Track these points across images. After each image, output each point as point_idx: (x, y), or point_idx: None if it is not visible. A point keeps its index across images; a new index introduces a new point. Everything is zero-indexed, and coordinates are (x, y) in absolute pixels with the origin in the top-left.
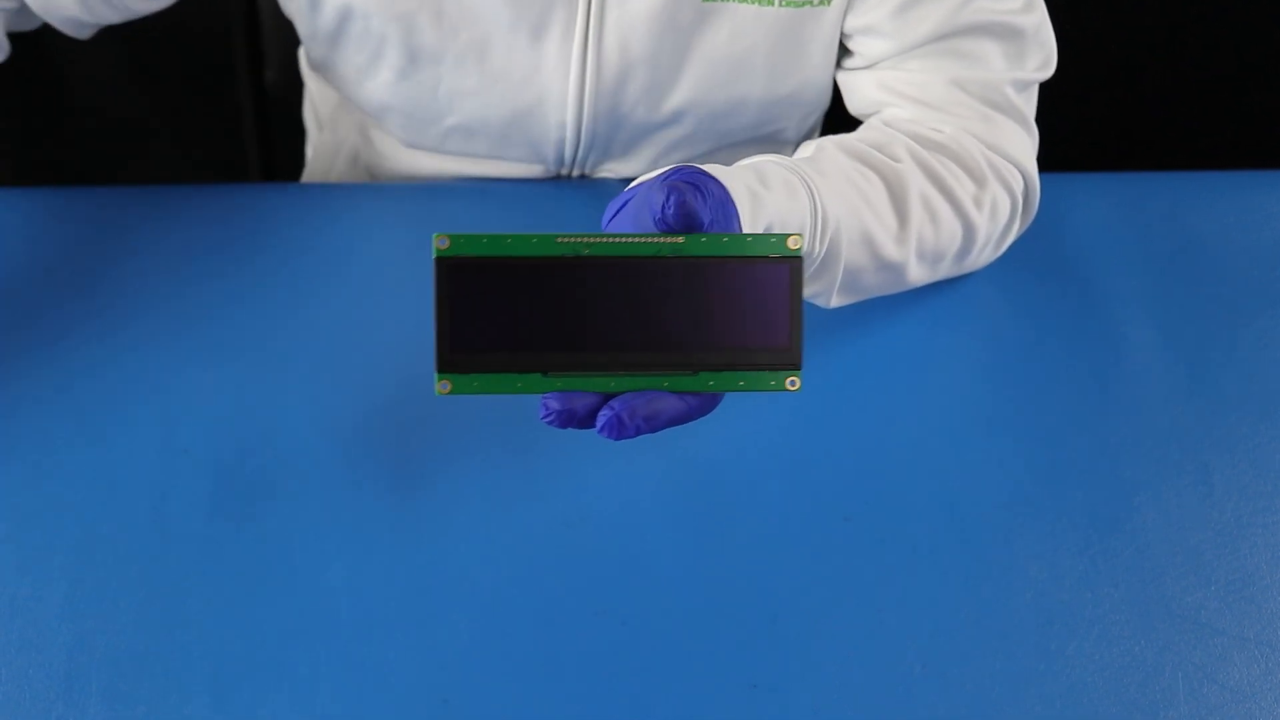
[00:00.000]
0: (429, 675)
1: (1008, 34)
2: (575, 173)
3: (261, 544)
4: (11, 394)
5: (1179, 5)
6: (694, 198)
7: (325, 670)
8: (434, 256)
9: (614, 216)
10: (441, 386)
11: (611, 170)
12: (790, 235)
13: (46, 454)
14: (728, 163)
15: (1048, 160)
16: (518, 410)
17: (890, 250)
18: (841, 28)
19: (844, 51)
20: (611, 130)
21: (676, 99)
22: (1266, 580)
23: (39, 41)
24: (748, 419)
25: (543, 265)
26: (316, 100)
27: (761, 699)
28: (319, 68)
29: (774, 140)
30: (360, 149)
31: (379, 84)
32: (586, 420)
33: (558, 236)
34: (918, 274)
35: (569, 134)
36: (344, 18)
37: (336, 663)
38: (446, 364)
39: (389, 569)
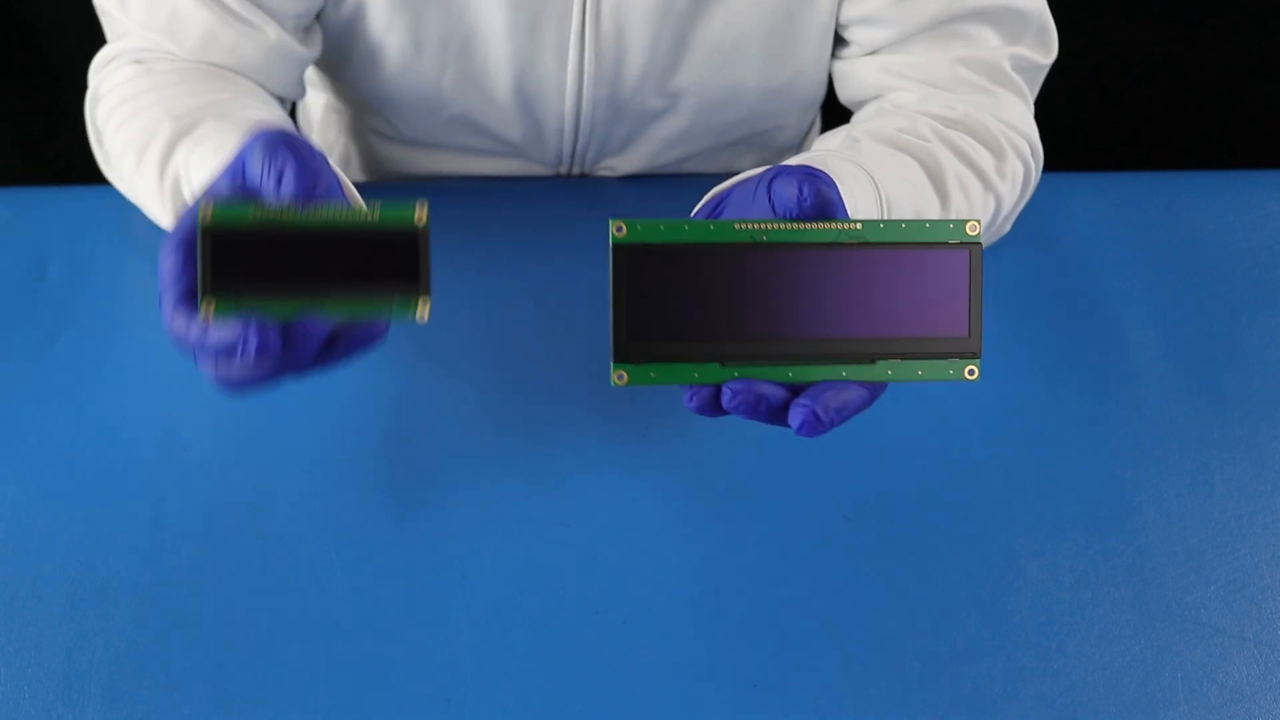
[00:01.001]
0: (429, 675)
1: (1008, 16)
2: (575, 171)
3: (261, 544)
4: (11, 393)
5: (1179, 5)
6: (827, 185)
7: (325, 670)
8: (610, 244)
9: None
10: (618, 377)
11: (610, 168)
12: (969, 221)
13: (46, 454)
14: (728, 163)
15: (1047, 160)
16: (517, 410)
17: None
18: (837, 18)
19: (840, 42)
20: (611, 119)
21: (674, 86)
22: (1266, 580)
23: (39, 42)
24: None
25: (721, 251)
26: (309, 102)
27: (761, 699)
28: (329, 62)
29: (773, 138)
30: (351, 154)
31: (386, 74)
32: (778, 412)
33: (735, 223)
34: None
35: (568, 123)
36: (358, 8)
37: (336, 663)
38: (624, 353)
39: (389, 569)
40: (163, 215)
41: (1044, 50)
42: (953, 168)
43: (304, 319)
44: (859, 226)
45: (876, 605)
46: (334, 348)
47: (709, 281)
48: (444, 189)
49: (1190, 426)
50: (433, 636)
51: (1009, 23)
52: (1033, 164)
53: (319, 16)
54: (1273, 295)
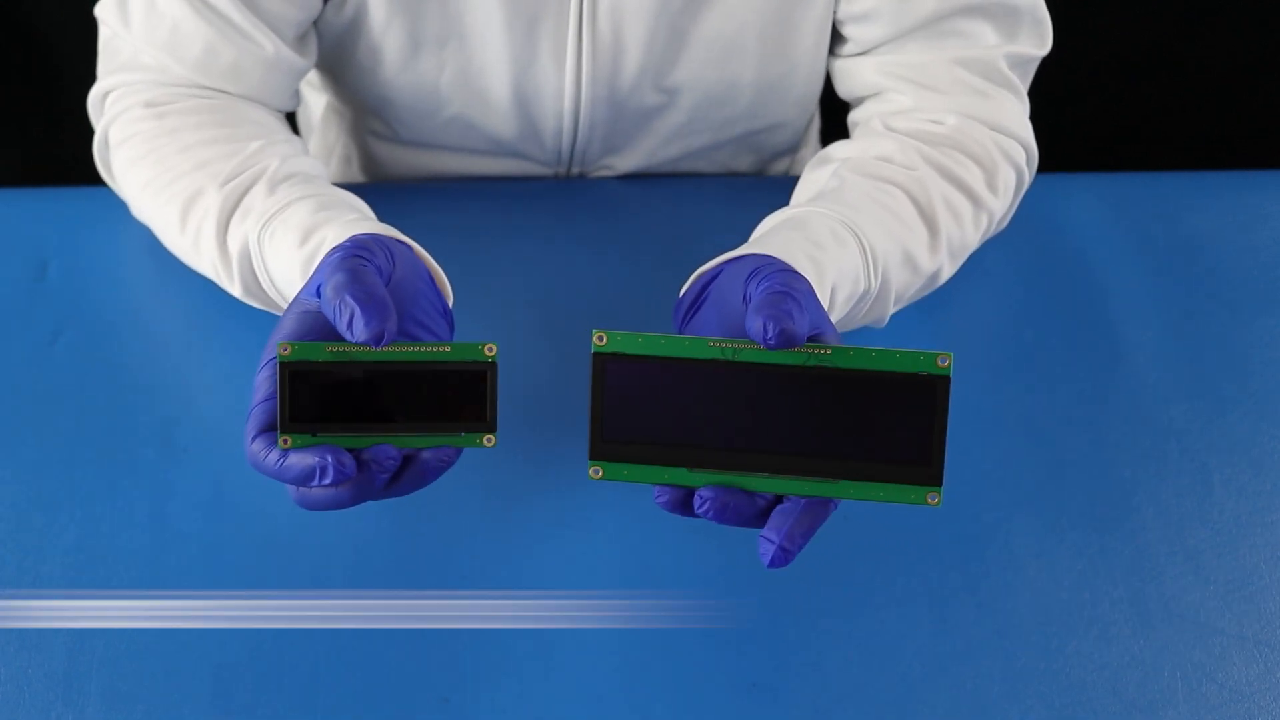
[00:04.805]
0: (429, 675)
1: (1003, 11)
2: (574, 170)
3: (262, 544)
4: (11, 393)
5: (1179, 5)
6: (789, 317)
7: (325, 670)
8: (591, 351)
9: (690, 315)
10: (594, 472)
11: (608, 166)
12: (939, 354)
13: (46, 454)
14: (725, 162)
15: (1047, 160)
16: (517, 411)
17: (927, 262)
18: (834, 14)
19: (837, 39)
20: (609, 117)
21: (671, 82)
22: (1266, 580)
23: (39, 43)
24: None
25: (694, 366)
26: (310, 103)
27: (761, 699)
28: (327, 65)
29: (770, 138)
30: (351, 154)
31: (385, 75)
32: (745, 518)
33: (709, 340)
34: (949, 270)
35: (566, 123)
36: (360, 9)
37: (336, 662)
38: (599, 452)
39: (389, 568)
40: (230, 286)
41: (1039, 43)
42: (940, 193)
43: (377, 447)
44: (828, 352)
45: (876, 605)
46: (407, 474)
47: (682, 392)
48: (442, 191)
49: (1190, 426)
50: (433, 636)
51: (1005, 17)
52: (1026, 169)
53: (315, 23)
54: (1273, 295)
